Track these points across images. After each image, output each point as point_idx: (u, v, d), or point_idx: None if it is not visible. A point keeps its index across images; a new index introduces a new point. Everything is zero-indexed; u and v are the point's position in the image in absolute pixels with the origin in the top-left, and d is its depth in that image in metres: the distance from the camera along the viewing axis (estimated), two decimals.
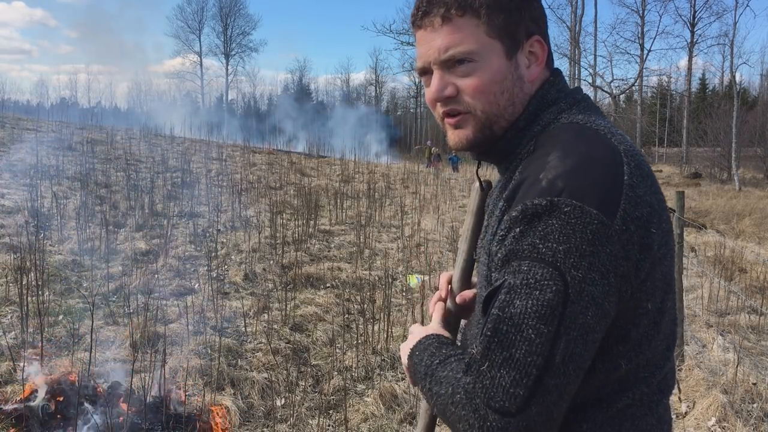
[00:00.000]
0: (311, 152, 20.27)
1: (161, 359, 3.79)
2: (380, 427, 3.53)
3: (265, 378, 4.00)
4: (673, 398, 3.92)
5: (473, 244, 1.13)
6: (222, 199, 9.69)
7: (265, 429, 3.48)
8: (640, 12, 35.84)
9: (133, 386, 3.22)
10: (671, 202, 4.78)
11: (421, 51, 1.01)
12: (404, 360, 1.05)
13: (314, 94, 61.56)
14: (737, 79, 31.36)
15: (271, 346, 4.46)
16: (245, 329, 4.85)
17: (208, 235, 7.75)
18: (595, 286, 0.80)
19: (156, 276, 5.80)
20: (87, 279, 5.67)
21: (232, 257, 6.91)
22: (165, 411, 3.23)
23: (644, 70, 35.19)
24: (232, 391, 3.79)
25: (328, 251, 7.66)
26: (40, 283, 4.90)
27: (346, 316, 5.36)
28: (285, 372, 4.11)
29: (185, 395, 3.58)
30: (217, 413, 3.44)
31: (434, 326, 1.08)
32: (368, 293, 5.57)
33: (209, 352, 4.31)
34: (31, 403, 3.21)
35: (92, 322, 3.49)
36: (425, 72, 1.02)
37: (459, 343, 1.15)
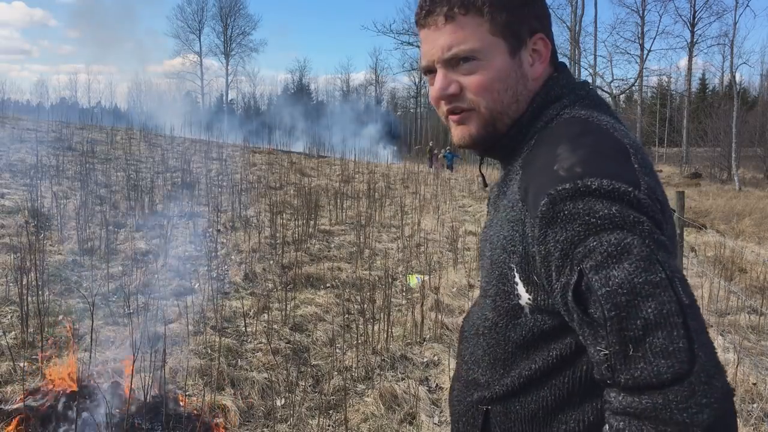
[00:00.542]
0: (311, 152, 20.28)
1: (161, 359, 3.79)
2: (380, 427, 3.53)
3: (265, 378, 4.00)
4: None
5: None
6: (222, 199, 9.69)
7: (265, 429, 3.48)
8: (640, 12, 35.87)
9: (133, 386, 3.21)
10: (671, 202, 4.77)
11: (425, 50, 1.01)
12: None
13: (314, 93, 61.60)
14: (737, 79, 31.39)
15: (271, 346, 4.46)
16: (245, 329, 4.85)
17: (208, 235, 7.75)
18: (661, 235, 0.79)
19: (156, 276, 5.79)
20: (87, 279, 5.67)
21: (232, 257, 6.91)
22: (165, 411, 3.23)
23: (644, 70, 35.19)
24: (232, 391, 3.79)
25: (328, 251, 7.66)
26: (40, 283, 4.90)
27: (346, 316, 5.36)
28: (285, 372, 4.11)
29: (185, 395, 3.58)
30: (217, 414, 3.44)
31: None
32: (368, 293, 5.57)
33: (209, 352, 4.31)
34: (31, 403, 3.21)
35: (92, 322, 3.49)
36: (429, 70, 1.02)
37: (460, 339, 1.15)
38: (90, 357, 3.58)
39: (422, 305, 5.22)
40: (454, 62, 0.98)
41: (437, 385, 4.12)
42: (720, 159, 28.61)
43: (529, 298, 0.91)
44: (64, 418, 3.14)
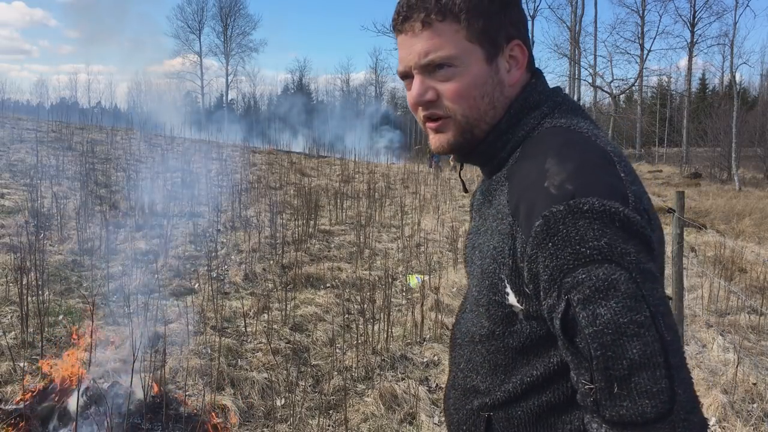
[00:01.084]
0: (311, 152, 20.29)
1: (161, 359, 3.79)
2: (380, 427, 3.53)
3: (265, 378, 4.00)
4: None
5: None
6: (222, 199, 9.69)
7: (265, 429, 3.48)
8: (640, 12, 35.85)
9: (133, 386, 3.21)
10: (671, 202, 4.78)
11: (402, 55, 1.02)
12: None
13: (314, 93, 61.58)
14: (737, 79, 31.40)
15: (271, 346, 4.46)
16: (245, 329, 4.85)
17: (208, 235, 7.75)
18: (648, 262, 0.81)
19: (156, 276, 5.79)
20: (87, 279, 5.67)
21: (232, 257, 6.91)
22: (165, 411, 3.23)
23: (644, 70, 35.19)
24: (232, 391, 3.79)
25: (328, 251, 7.66)
26: (40, 283, 4.90)
27: (346, 316, 5.36)
28: (285, 372, 4.11)
29: (185, 395, 3.58)
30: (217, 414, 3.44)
31: None
32: (368, 293, 5.57)
33: (209, 352, 4.31)
34: (31, 403, 3.21)
35: (92, 322, 3.49)
36: (406, 76, 1.03)
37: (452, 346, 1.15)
38: (90, 357, 3.58)
39: (422, 305, 5.22)
40: (430, 68, 0.98)
41: (437, 385, 4.12)
42: (720, 159, 28.59)
43: (521, 308, 0.92)
44: (65, 418, 3.14)
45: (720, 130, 29.12)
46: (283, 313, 5.10)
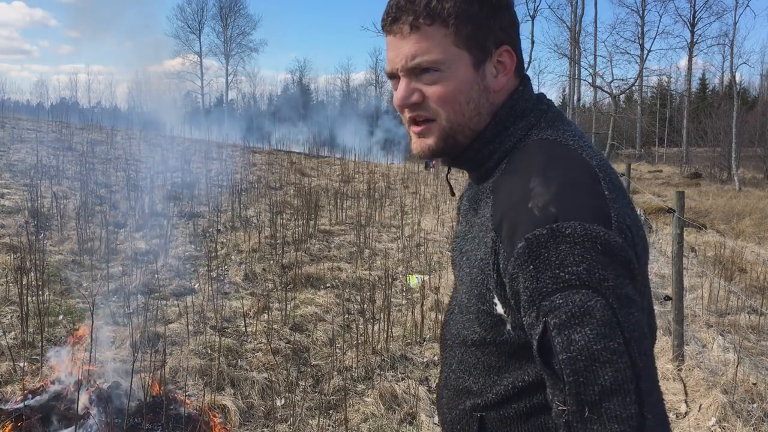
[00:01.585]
0: (311, 152, 20.29)
1: (161, 359, 3.79)
2: (380, 427, 3.54)
3: (265, 378, 4.00)
4: (673, 398, 3.92)
5: None
6: (222, 199, 9.69)
7: (265, 429, 3.48)
8: (640, 12, 35.81)
9: (133, 386, 3.22)
10: (671, 202, 4.78)
11: (389, 56, 1.02)
12: None
13: (314, 93, 61.56)
14: (737, 79, 31.37)
15: (271, 346, 4.46)
16: (245, 329, 4.85)
17: (208, 235, 7.75)
18: (626, 287, 0.83)
19: (156, 276, 5.80)
20: (87, 279, 5.67)
21: (232, 257, 6.91)
22: (165, 411, 3.23)
23: (644, 70, 35.17)
24: (232, 391, 3.79)
25: (328, 251, 7.66)
26: (40, 283, 4.90)
27: (346, 316, 5.36)
28: (285, 372, 4.11)
29: (185, 395, 3.58)
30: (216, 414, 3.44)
31: None
32: (368, 293, 5.57)
33: (209, 352, 4.31)
34: (31, 403, 3.21)
35: (92, 322, 3.49)
36: (393, 76, 1.03)
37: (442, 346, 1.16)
38: (90, 357, 3.58)
39: (422, 305, 5.22)
40: (417, 72, 0.98)
41: (437, 385, 4.12)
42: (720, 159, 28.55)
43: (509, 318, 0.93)
44: (65, 418, 3.14)
45: (720, 130, 29.11)
46: (283, 313, 5.11)
